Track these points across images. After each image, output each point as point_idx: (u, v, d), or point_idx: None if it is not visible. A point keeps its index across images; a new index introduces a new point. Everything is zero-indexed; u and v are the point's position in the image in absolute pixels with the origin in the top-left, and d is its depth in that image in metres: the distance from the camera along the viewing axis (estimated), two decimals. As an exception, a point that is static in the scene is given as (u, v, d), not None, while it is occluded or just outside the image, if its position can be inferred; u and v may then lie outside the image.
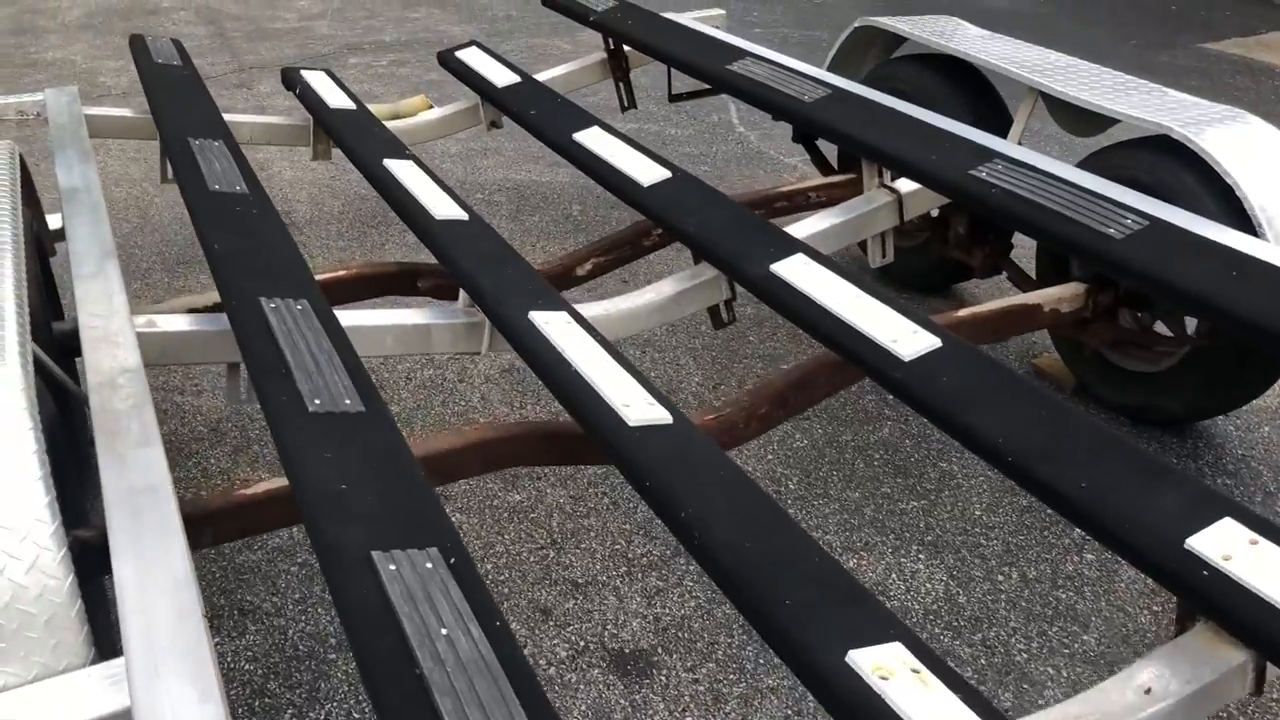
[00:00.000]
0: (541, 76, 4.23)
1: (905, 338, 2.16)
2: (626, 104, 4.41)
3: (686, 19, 4.33)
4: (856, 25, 3.62)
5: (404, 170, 3.07)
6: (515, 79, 3.89)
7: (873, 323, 2.21)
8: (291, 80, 3.99)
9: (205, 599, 1.46)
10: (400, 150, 3.27)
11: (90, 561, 1.61)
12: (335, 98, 3.77)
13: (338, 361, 1.89)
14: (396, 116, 4.19)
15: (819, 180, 3.44)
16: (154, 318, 2.35)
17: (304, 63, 6.48)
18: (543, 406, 3.08)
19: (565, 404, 2.06)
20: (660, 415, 1.96)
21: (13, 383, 1.69)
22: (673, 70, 4.22)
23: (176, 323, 2.35)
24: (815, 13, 7.71)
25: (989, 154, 2.73)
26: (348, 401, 1.78)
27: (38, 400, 1.87)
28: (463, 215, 2.81)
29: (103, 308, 2.21)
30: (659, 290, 2.80)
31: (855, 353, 2.19)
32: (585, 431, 2.02)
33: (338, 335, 2.02)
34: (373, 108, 3.91)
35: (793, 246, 2.57)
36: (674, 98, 4.47)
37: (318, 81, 3.94)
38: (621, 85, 4.38)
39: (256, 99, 5.77)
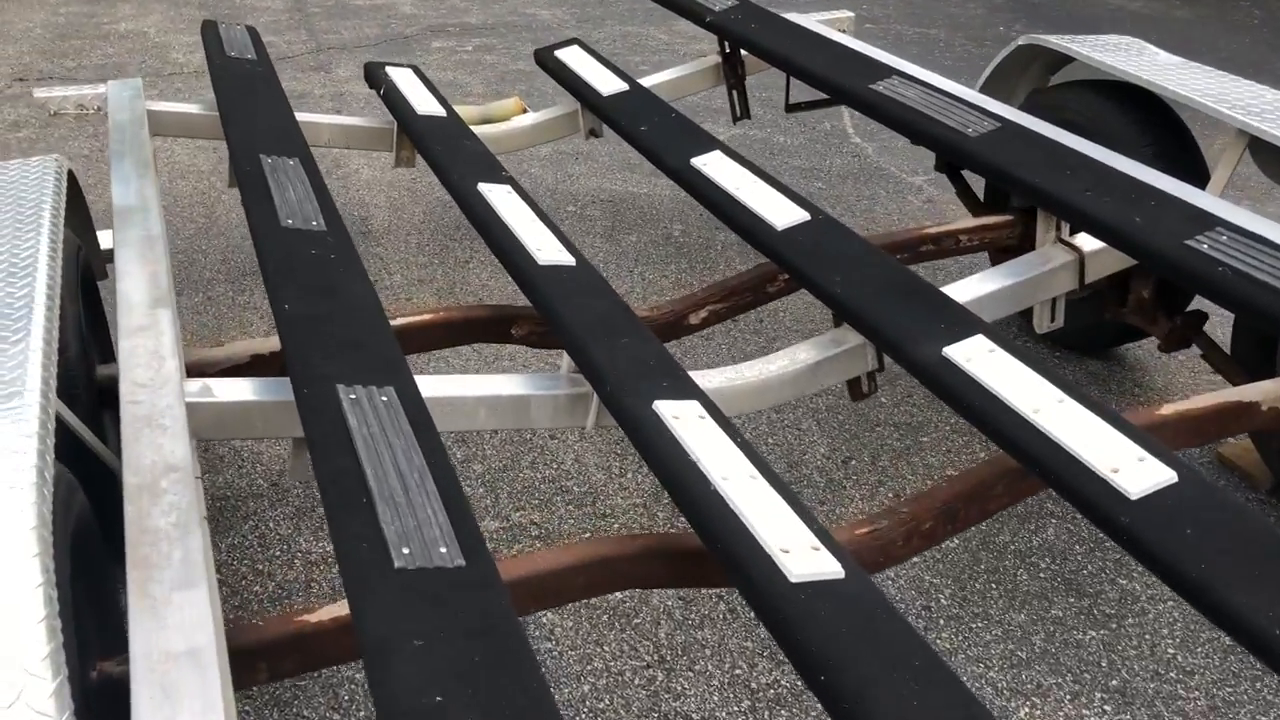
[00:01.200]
0: (648, 82, 3.82)
1: (1129, 466, 1.72)
2: (739, 113, 3.98)
3: (812, 22, 3.89)
4: (1020, 43, 3.15)
5: (501, 198, 2.68)
6: (621, 86, 3.48)
7: (1085, 443, 1.77)
8: (376, 78, 3.61)
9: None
10: (496, 171, 2.87)
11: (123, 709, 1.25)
12: (423, 100, 3.39)
13: (432, 486, 1.50)
14: (487, 120, 3.79)
15: (971, 222, 2.98)
16: (210, 383, 1.98)
17: (385, 42, 6.12)
18: (646, 476, 2.69)
19: (705, 536, 1.66)
20: (829, 568, 1.55)
21: (22, 494, 1.33)
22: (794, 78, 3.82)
23: (237, 390, 1.98)
24: (927, 7, 7.19)
25: (1208, 219, 2.26)
26: (443, 550, 1.39)
27: (64, 486, 1.54)
28: (569, 260, 2.42)
29: (150, 374, 1.85)
30: (793, 358, 2.38)
31: (1062, 479, 1.76)
32: (732, 580, 1.62)
33: (430, 440, 1.63)
34: (461, 110, 3.52)
35: (968, 323, 2.13)
36: (791, 108, 4.04)
37: (404, 80, 3.56)
38: (735, 93, 3.95)
39: (334, 84, 5.41)
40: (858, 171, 4.50)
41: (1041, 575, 2.40)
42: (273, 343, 2.39)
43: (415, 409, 1.70)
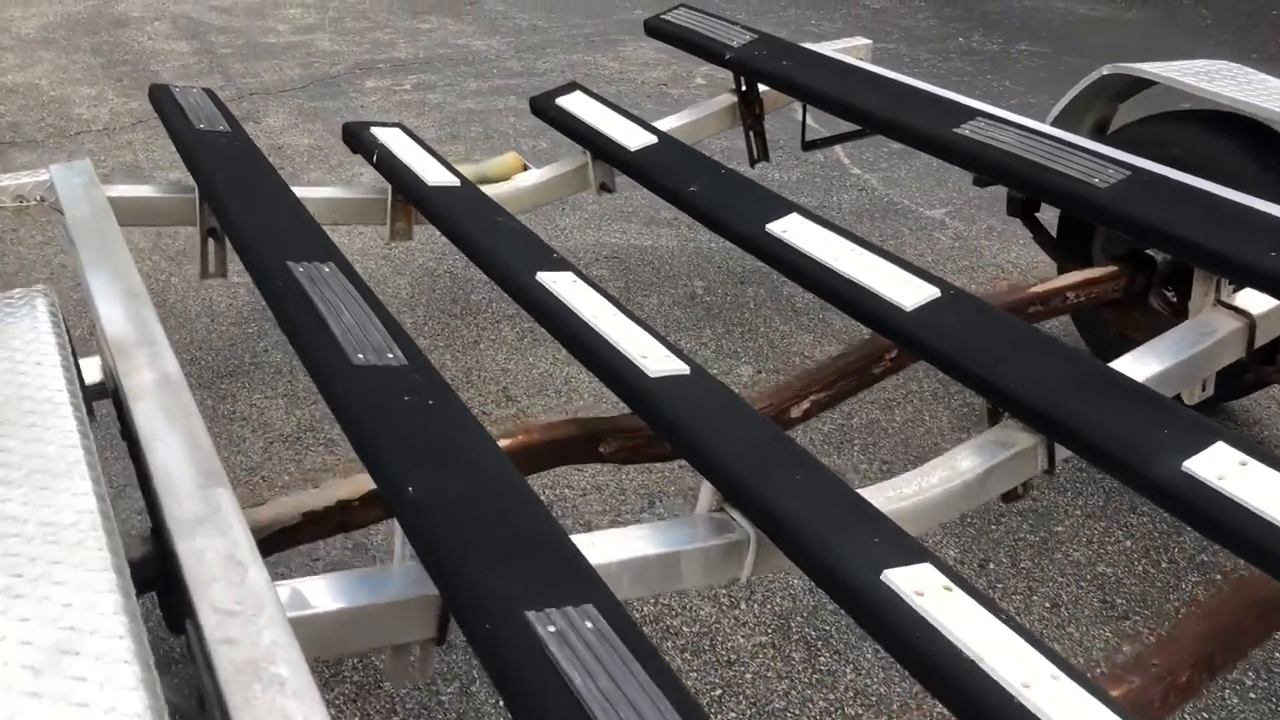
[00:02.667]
0: (662, 126, 3.43)
1: None
2: (757, 155, 3.62)
3: (836, 52, 3.55)
4: (1104, 72, 2.85)
5: (570, 290, 2.25)
6: (646, 136, 3.08)
7: None
8: (361, 141, 3.14)
9: None
10: (547, 254, 2.45)
11: None
12: (426, 166, 2.93)
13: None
14: (484, 180, 3.34)
15: (1076, 277, 2.66)
16: (302, 587, 1.52)
17: (313, 84, 5.60)
18: (761, 604, 2.29)
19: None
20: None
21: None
22: (809, 110, 3.48)
23: (342, 591, 1.53)
24: (877, 20, 6.94)
25: None
26: None
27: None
28: (682, 368, 2.01)
29: (234, 594, 1.38)
30: (954, 466, 2.00)
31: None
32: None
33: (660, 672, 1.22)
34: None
35: (1198, 428, 1.79)
36: (808, 145, 3.69)
37: (396, 142, 3.10)
38: (752, 134, 3.58)
39: (266, 136, 4.87)
40: (870, 208, 4.18)
41: None
42: (325, 495, 1.93)
43: (632, 636, 1.27)
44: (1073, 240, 3.03)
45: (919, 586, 1.49)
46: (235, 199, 2.47)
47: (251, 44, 6.36)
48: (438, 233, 2.78)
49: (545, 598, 1.31)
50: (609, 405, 2.90)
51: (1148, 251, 2.70)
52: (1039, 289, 2.64)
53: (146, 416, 1.70)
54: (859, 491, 1.80)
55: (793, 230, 2.49)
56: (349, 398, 1.70)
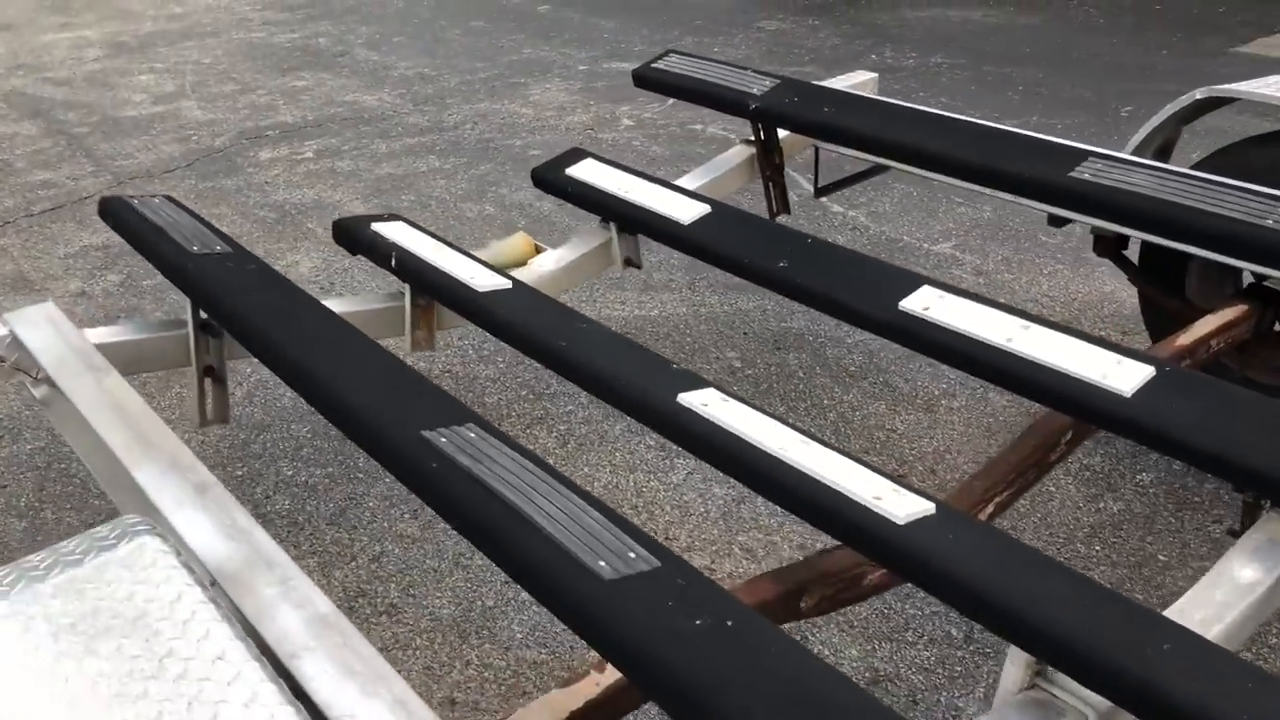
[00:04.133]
0: (688, 184, 3.07)
1: None
2: (777, 208, 3.29)
3: (844, 86, 3.27)
4: (1198, 96, 2.63)
5: (726, 413, 1.86)
6: (692, 206, 2.71)
7: None
8: (361, 240, 2.66)
9: None
10: (666, 368, 2.05)
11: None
12: (457, 264, 2.49)
13: None
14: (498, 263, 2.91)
15: (1211, 323, 2.43)
16: None
17: (200, 160, 4.98)
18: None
19: None
20: None
21: None
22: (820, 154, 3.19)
23: None
24: (784, 44, 6.73)
25: None
26: None
27: None
28: (925, 506, 1.66)
29: None
30: (1232, 578, 1.73)
31: None
32: None
33: None
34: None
35: None
36: (821, 191, 3.39)
37: (408, 238, 2.63)
38: (772, 185, 3.25)
39: (170, 226, 4.26)
40: (871, 246, 3.90)
41: None
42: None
43: None
44: (1162, 275, 2.81)
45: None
46: (300, 348, 1.98)
47: (109, 119, 5.67)
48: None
49: None
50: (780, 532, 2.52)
51: (1265, 284, 2.52)
52: (1185, 341, 2.39)
53: (298, 652, 1.24)
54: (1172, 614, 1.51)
55: (935, 306, 2.16)
56: (609, 621, 1.28)
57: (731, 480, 2.16)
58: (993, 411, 2.91)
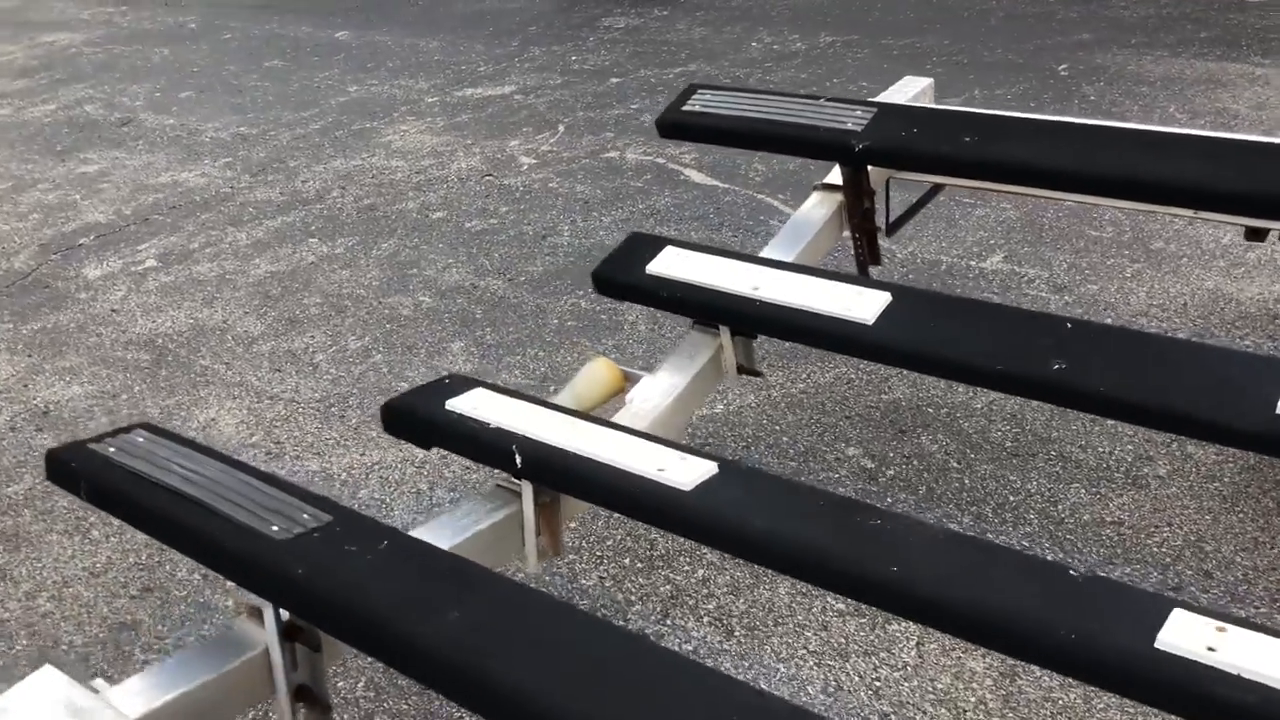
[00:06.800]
0: (783, 255, 2.39)
1: None
2: (867, 260, 2.65)
3: (903, 98, 2.67)
4: None
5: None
6: (876, 298, 2.03)
7: None
8: (435, 428, 1.83)
9: None
10: (1066, 576, 1.39)
11: None
12: (570, 436, 1.73)
13: None
14: (583, 407, 2.14)
15: None
16: None
17: (4, 293, 3.87)
18: None
19: None
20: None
21: None
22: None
23: None
24: (646, 43, 6.04)
25: None
26: None
27: None
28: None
29: None
30: None
31: None
32: None
33: None
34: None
35: None
36: (893, 227, 2.78)
37: (498, 409, 1.84)
38: (861, 236, 2.60)
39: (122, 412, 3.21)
40: (915, 274, 3.32)
41: None
42: None
43: None
44: None
45: None
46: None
47: None
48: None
49: None
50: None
51: None
52: None
53: None
54: None
55: (1329, 400, 1.59)
56: None
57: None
58: (1208, 473, 2.39)
